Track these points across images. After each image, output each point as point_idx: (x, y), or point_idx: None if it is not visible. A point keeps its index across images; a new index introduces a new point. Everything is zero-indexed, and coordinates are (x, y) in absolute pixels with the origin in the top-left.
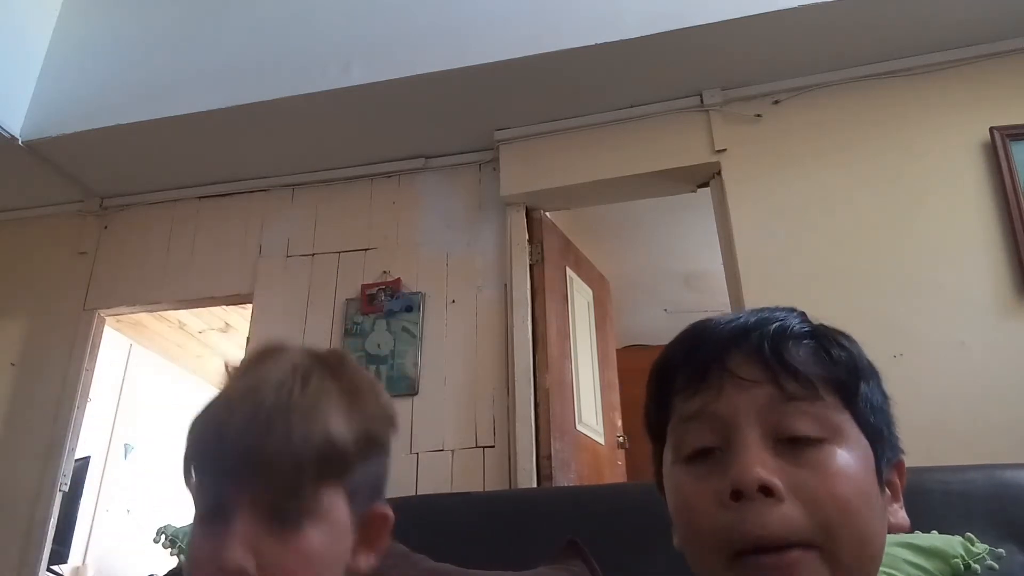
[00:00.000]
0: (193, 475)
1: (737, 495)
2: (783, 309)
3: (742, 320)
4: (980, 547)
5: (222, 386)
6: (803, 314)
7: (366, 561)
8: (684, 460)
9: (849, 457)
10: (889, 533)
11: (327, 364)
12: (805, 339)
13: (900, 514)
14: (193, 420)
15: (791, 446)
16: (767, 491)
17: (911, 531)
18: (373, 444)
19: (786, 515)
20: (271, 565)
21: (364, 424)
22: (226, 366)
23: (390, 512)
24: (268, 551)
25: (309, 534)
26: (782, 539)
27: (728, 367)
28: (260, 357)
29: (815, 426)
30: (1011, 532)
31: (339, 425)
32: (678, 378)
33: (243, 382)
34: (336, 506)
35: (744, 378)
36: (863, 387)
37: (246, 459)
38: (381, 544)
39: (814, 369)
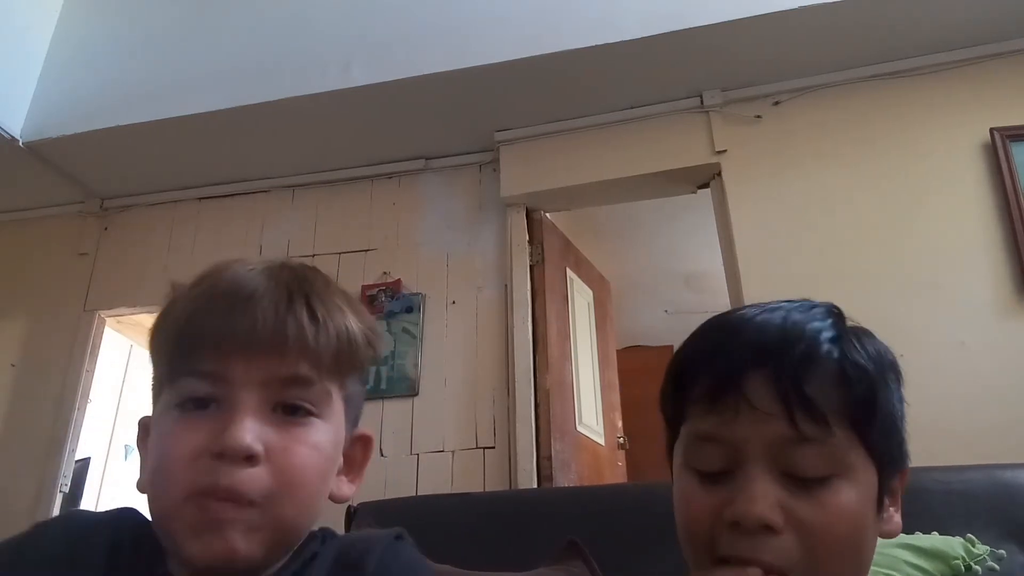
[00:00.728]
0: (178, 349)
1: (738, 525)
2: (817, 316)
3: (768, 333)
4: (981, 548)
5: (195, 278)
6: (835, 322)
7: (348, 488)
8: (692, 469)
9: (852, 493)
10: (881, 537)
11: (316, 270)
12: (829, 363)
13: (895, 519)
14: (172, 300)
15: (797, 479)
16: (767, 528)
17: (901, 532)
18: (372, 350)
19: (780, 547)
20: (276, 455)
21: (364, 327)
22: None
23: (372, 435)
24: (274, 437)
25: (316, 426)
26: (771, 568)
27: (745, 392)
28: (233, 260)
29: (824, 464)
30: (1012, 532)
31: (351, 321)
32: (695, 385)
33: (224, 270)
34: (338, 408)
35: (759, 408)
36: (878, 409)
37: (258, 335)
38: (362, 471)
39: (831, 400)
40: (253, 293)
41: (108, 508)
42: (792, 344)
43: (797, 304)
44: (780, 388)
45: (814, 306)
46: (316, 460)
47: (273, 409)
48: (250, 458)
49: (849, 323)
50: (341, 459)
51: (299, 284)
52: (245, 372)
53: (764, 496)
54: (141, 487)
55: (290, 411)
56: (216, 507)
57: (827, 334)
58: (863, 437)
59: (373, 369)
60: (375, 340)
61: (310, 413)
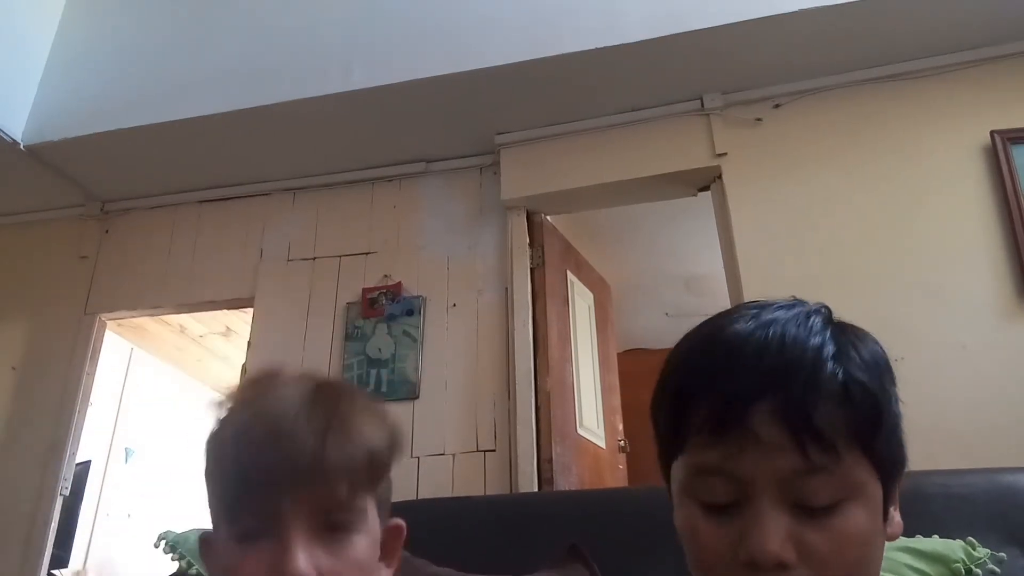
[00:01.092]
0: (230, 492)
1: (752, 565)
2: (812, 325)
3: (768, 355)
4: (981, 551)
5: (237, 405)
6: (833, 332)
7: (387, 572)
8: (698, 502)
9: (861, 513)
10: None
11: (339, 386)
12: (834, 386)
13: (896, 520)
14: (218, 436)
15: (807, 508)
16: (782, 565)
17: (903, 534)
18: (396, 454)
19: None
20: (329, 572)
21: (389, 435)
22: (228, 392)
23: (403, 524)
24: (324, 560)
25: (357, 541)
26: None
27: (750, 425)
28: (267, 380)
29: (834, 491)
30: (1013, 536)
31: (375, 435)
32: (695, 413)
33: (263, 401)
34: (372, 515)
35: (767, 441)
36: (883, 422)
37: (301, 472)
38: (397, 555)
39: (838, 424)
40: (291, 435)
41: None
42: (796, 371)
43: (791, 313)
44: (788, 420)
45: (808, 314)
46: (365, 570)
47: (319, 530)
48: None
49: (837, 320)
50: (379, 553)
51: (329, 410)
52: (293, 506)
53: (776, 533)
54: None
55: (333, 529)
56: None
57: (828, 350)
58: (869, 453)
59: (374, 372)
60: (399, 441)
61: (351, 530)
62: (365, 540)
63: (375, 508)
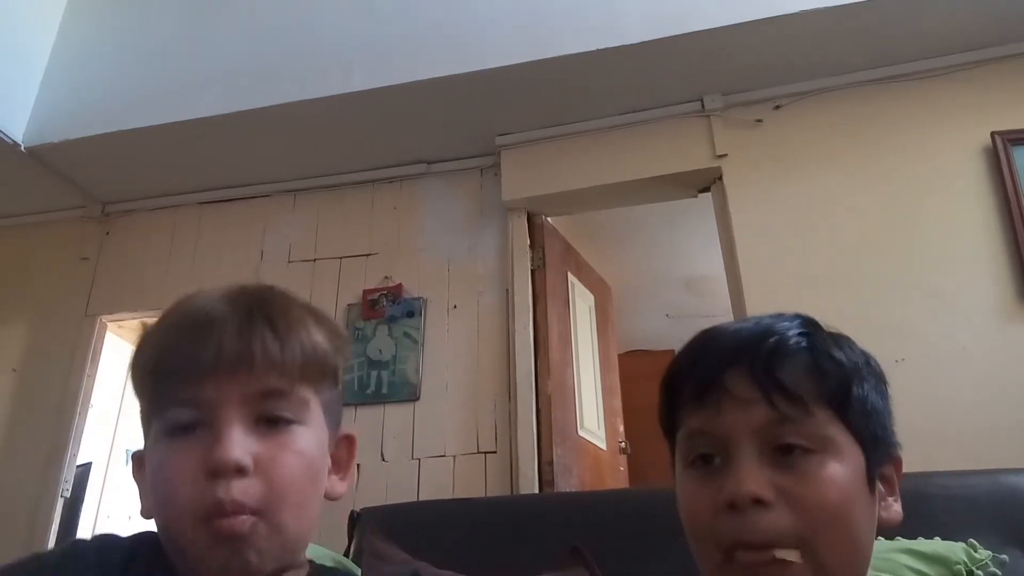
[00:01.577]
0: (158, 384)
1: (733, 506)
2: (786, 318)
3: (742, 335)
4: (983, 553)
5: (164, 312)
6: (804, 322)
7: (341, 485)
8: (689, 466)
9: (839, 467)
10: (880, 526)
11: (270, 287)
12: (800, 354)
13: (894, 508)
14: (145, 337)
15: (784, 455)
16: (758, 502)
17: (901, 526)
18: (339, 355)
19: (774, 520)
20: (265, 465)
21: (329, 333)
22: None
23: (355, 435)
24: (260, 447)
25: (298, 433)
26: (770, 542)
27: (726, 385)
28: (195, 291)
29: (806, 439)
30: (1014, 538)
31: (309, 329)
32: (683, 391)
33: (189, 301)
34: (316, 413)
35: (740, 397)
36: (855, 394)
37: (227, 355)
38: (351, 469)
39: (806, 385)
40: (215, 319)
41: (133, 533)
42: (765, 339)
43: (772, 314)
44: (756, 377)
45: (785, 314)
46: (303, 464)
47: (256, 423)
48: (240, 470)
49: (829, 330)
50: (329, 460)
51: (258, 304)
52: (221, 393)
53: (752, 473)
54: (146, 514)
55: (272, 423)
56: (225, 524)
57: (795, 331)
58: (843, 418)
59: (375, 374)
60: (342, 346)
61: (291, 421)
62: (308, 433)
63: (320, 408)
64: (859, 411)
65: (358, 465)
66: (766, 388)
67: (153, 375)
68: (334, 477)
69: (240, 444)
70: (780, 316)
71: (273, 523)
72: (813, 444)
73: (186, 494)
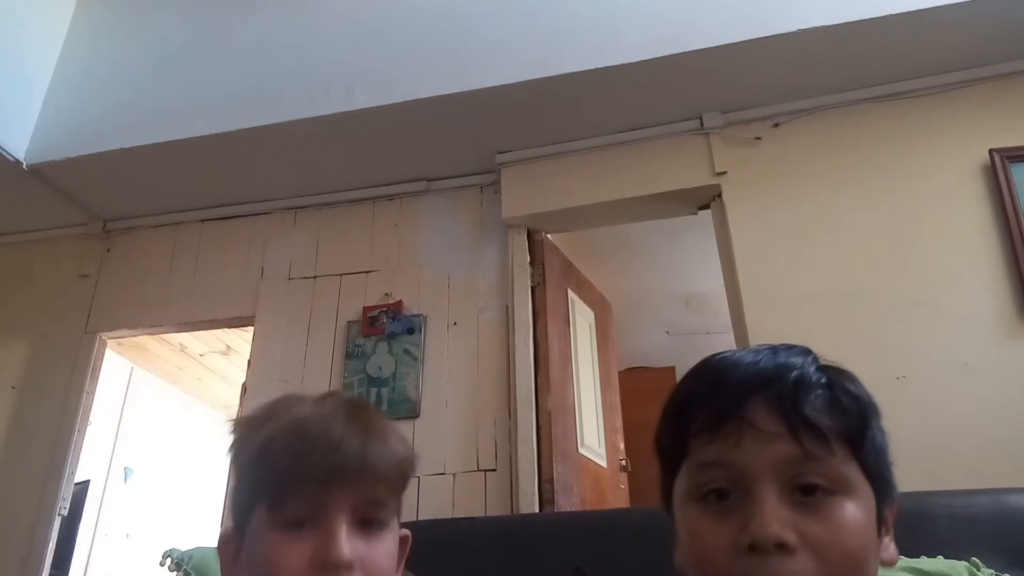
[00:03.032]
0: (282, 480)
1: (754, 548)
2: (797, 351)
3: (761, 365)
4: (986, 572)
5: (273, 410)
6: (816, 357)
7: None
8: (699, 499)
9: (856, 510)
10: (880, 566)
11: (367, 402)
12: (820, 389)
13: (891, 548)
14: (261, 433)
15: (804, 496)
16: (782, 546)
17: (907, 555)
18: (415, 466)
19: (798, 569)
20: (366, 563)
21: (411, 448)
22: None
23: (409, 534)
24: (362, 549)
25: (387, 538)
26: None
27: (747, 417)
28: (297, 396)
29: (827, 479)
30: (1017, 558)
31: (404, 445)
32: (696, 420)
33: (305, 406)
34: (396, 519)
35: (763, 430)
36: (869, 434)
37: (351, 467)
38: (403, 563)
39: (828, 422)
40: (343, 437)
41: None
42: (787, 371)
43: (779, 345)
44: (782, 409)
45: (794, 347)
46: (391, 564)
47: (356, 525)
48: (349, 566)
49: (834, 365)
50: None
51: (369, 422)
52: (340, 499)
53: (777, 515)
54: None
55: (368, 524)
56: None
57: (813, 365)
58: (859, 457)
59: (374, 391)
60: (416, 455)
61: (383, 524)
62: (392, 539)
63: (397, 514)
64: (872, 450)
65: None
66: (792, 422)
67: (281, 475)
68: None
69: (349, 544)
70: (790, 348)
71: None
72: (834, 485)
73: None
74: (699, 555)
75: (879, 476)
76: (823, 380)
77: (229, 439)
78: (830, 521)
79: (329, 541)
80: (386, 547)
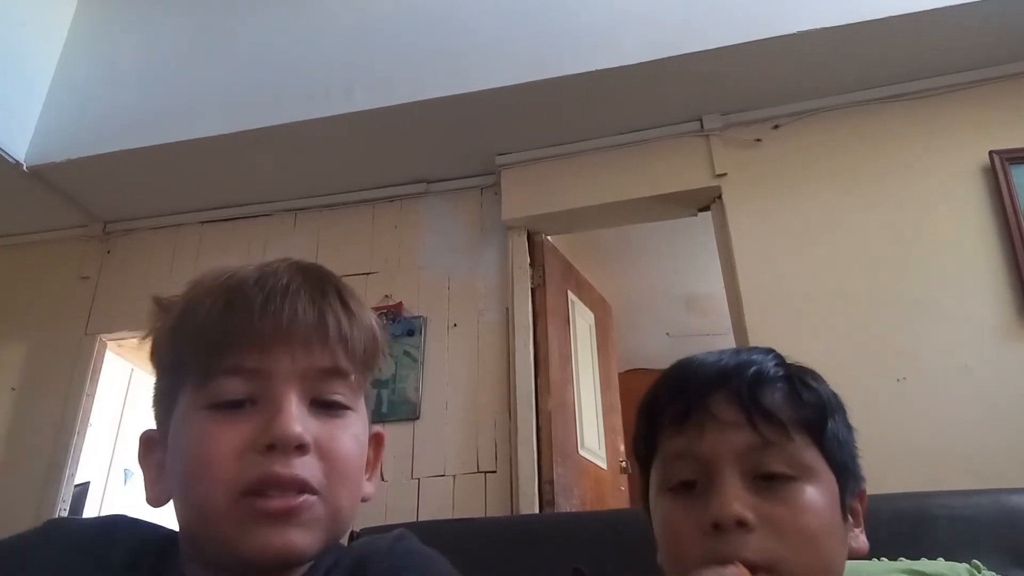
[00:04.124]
0: (213, 348)
1: (717, 527)
2: (760, 351)
3: (723, 362)
4: (987, 574)
5: (214, 275)
6: (778, 355)
7: (369, 486)
8: (670, 491)
9: (816, 492)
10: (850, 557)
11: (329, 271)
12: (779, 382)
13: (861, 539)
14: (192, 296)
15: (765, 482)
16: (742, 524)
17: (869, 557)
18: (385, 348)
19: (756, 544)
20: (323, 446)
21: (381, 324)
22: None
23: (384, 432)
24: (318, 429)
25: (352, 421)
26: (754, 563)
27: (710, 409)
28: (245, 265)
29: (787, 465)
30: (1018, 559)
31: (373, 317)
32: (663, 416)
33: (250, 268)
34: (363, 402)
35: (724, 420)
36: (830, 425)
37: (302, 328)
38: (377, 468)
39: (787, 411)
40: (289, 286)
41: (94, 517)
42: (747, 367)
43: (744, 348)
44: (740, 401)
45: (757, 348)
46: (358, 451)
47: (311, 403)
48: (301, 447)
49: (799, 364)
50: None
51: (329, 279)
52: (288, 365)
53: (737, 496)
54: (160, 498)
55: (327, 406)
56: (275, 500)
57: (773, 360)
58: (820, 445)
59: (374, 392)
60: (387, 337)
61: (346, 407)
62: (359, 421)
63: (364, 398)
64: (833, 439)
65: None
66: (749, 412)
67: (208, 340)
68: (363, 476)
69: (301, 420)
70: (753, 349)
71: (331, 506)
72: (793, 470)
73: (229, 468)
74: (670, 542)
75: (842, 465)
76: (781, 374)
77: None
78: (788, 502)
79: (275, 416)
80: (351, 431)
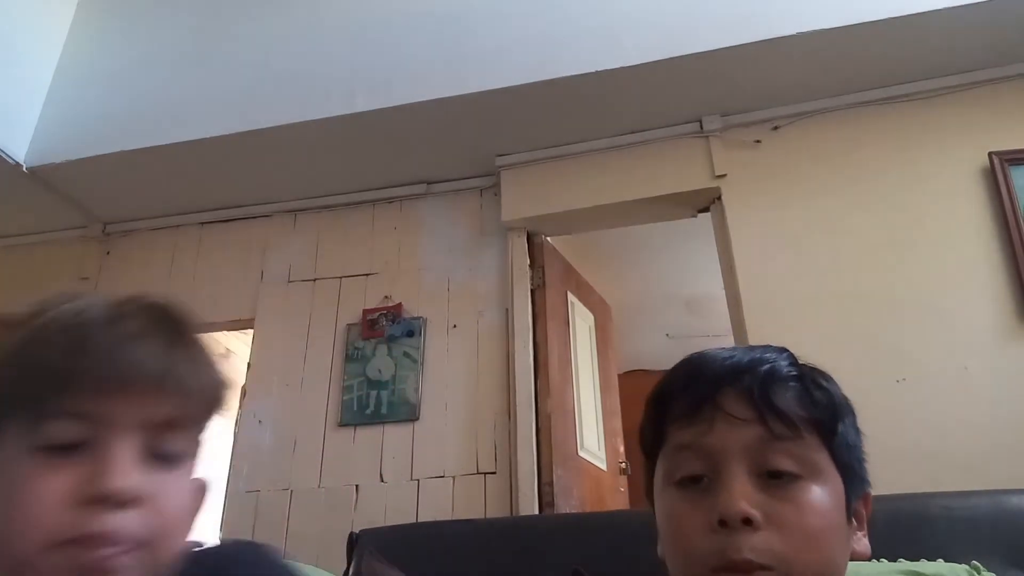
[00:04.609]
0: (40, 388)
1: (723, 524)
2: (774, 349)
3: (736, 359)
4: (986, 575)
5: (54, 307)
6: (791, 355)
7: (192, 531)
8: (676, 484)
9: (822, 493)
10: (852, 559)
11: (181, 308)
12: (792, 381)
13: (863, 542)
14: (28, 330)
15: (772, 480)
16: (748, 522)
17: (870, 558)
18: (226, 399)
19: (762, 542)
20: (153, 501)
21: (226, 379)
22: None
23: (207, 481)
24: (151, 483)
25: (183, 478)
26: (755, 563)
27: (720, 404)
28: (89, 296)
29: (795, 463)
30: (1017, 559)
31: (219, 370)
32: (674, 408)
33: (95, 300)
34: (196, 453)
35: (735, 416)
36: (840, 427)
37: (148, 371)
38: (198, 519)
39: (798, 411)
40: (140, 332)
41: None
42: (760, 364)
43: (757, 345)
44: (752, 398)
45: (771, 346)
46: (188, 508)
47: (148, 454)
48: (129, 502)
49: (812, 365)
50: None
51: (182, 326)
52: (126, 413)
53: (744, 493)
54: None
55: (164, 457)
56: (93, 553)
57: (786, 362)
58: (829, 446)
59: (374, 394)
60: (229, 392)
61: (180, 460)
62: (191, 475)
63: (197, 453)
64: (842, 441)
65: (356, 486)
66: (760, 408)
67: (35, 377)
68: None
69: (134, 474)
70: (768, 347)
71: (155, 558)
72: (801, 469)
73: (49, 518)
74: (675, 536)
75: (849, 467)
76: (794, 374)
77: None
78: (794, 501)
79: (102, 467)
80: (182, 485)
